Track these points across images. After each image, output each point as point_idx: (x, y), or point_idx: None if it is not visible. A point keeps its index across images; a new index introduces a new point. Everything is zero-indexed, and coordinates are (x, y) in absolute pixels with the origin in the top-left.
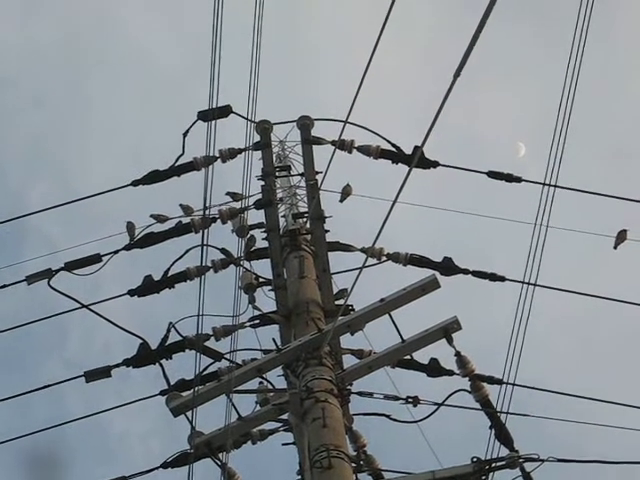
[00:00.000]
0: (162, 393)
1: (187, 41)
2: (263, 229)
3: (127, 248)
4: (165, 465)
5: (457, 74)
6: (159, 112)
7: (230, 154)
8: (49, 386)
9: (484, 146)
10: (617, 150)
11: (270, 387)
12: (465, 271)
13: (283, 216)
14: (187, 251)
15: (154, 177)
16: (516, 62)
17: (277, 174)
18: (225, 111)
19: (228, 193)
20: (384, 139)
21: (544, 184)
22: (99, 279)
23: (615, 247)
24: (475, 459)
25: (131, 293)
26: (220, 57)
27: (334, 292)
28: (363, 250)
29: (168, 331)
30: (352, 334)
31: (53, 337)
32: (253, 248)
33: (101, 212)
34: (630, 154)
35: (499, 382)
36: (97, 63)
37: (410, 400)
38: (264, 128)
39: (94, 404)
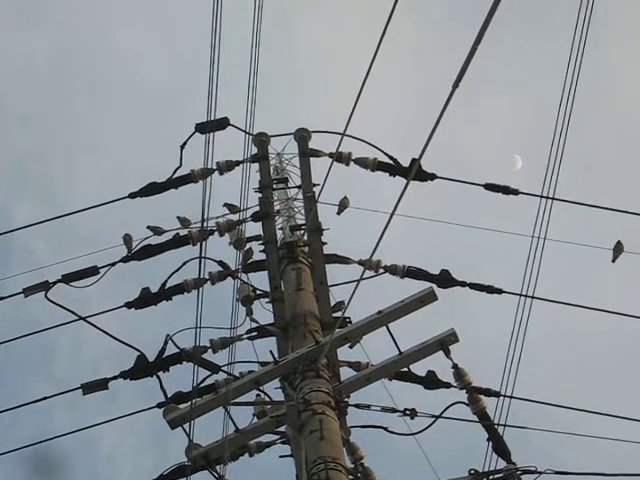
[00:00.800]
0: (159, 405)
1: (175, 60)
2: (260, 241)
3: (124, 260)
4: (162, 478)
5: (456, 85)
6: (146, 131)
7: (227, 166)
8: (46, 398)
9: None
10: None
11: (267, 399)
12: (462, 283)
13: (280, 228)
14: (184, 263)
15: (151, 189)
16: (510, 75)
17: (274, 186)
18: (222, 123)
19: (226, 205)
20: (381, 151)
21: (541, 196)
22: (86, 293)
23: (613, 261)
24: (472, 471)
25: (128, 305)
26: (218, 70)
27: (331, 304)
28: (360, 262)
29: (165, 343)
30: (350, 347)
31: (41, 351)
32: (250, 260)
33: (95, 226)
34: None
35: (496, 394)
36: (85, 81)
37: (407, 412)
38: (261, 140)
39: (82, 421)
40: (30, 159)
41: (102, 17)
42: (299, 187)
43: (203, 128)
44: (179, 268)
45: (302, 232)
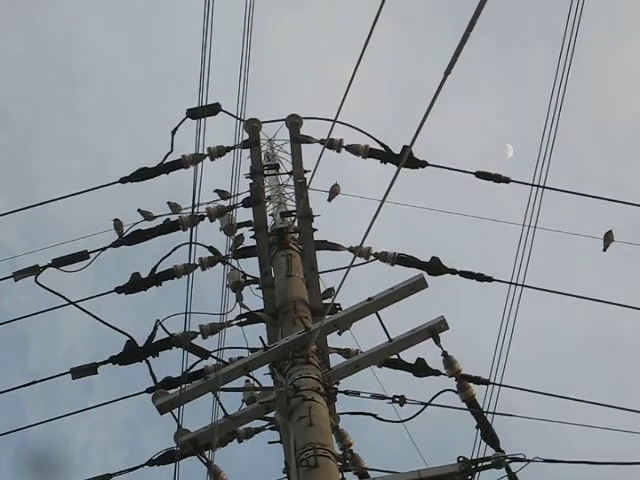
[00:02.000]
0: (148, 391)
1: (151, 54)
2: (251, 227)
3: (115, 245)
4: (151, 463)
5: (448, 71)
6: (124, 125)
7: (218, 152)
8: (35, 382)
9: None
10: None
11: (257, 385)
12: (453, 271)
13: (271, 214)
14: (175, 249)
15: (142, 174)
16: (501, 63)
17: (265, 172)
18: (214, 109)
19: (216, 191)
20: (373, 138)
21: (532, 185)
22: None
23: (605, 249)
24: (461, 459)
25: (118, 290)
26: (210, 55)
27: (321, 291)
28: (351, 249)
29: (155, 328)
30: (339, 333)
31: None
32: (241, 246)
33: (85, 212)
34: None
35: (486, 382)
36: (62, 76)
37: (396, 400)
38: (253, 126)
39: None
40: (8, 153)
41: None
42: (290, 173)
43: (194, 114)
44: (170, 253)
45: (293, 218)
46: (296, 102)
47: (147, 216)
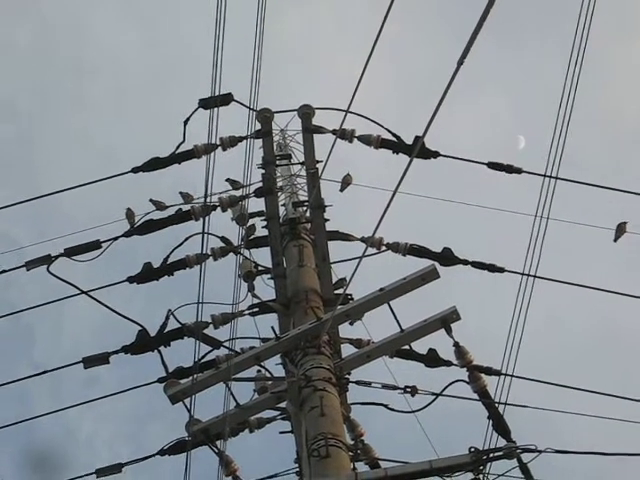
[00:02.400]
0: (160, 380)
1: (158, 46)
2: (263, 217)
3: (126, 235)
4: (162, 452)
5: (461, 61)
6: (131, 117)
7: (230, 142)
8: (47, 372)
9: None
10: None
11: (268, 375)
12: (464, 262)
13: (283, 205)
14: (187, 238)
15: (154, 164)
16: (514, 54)
17: (277, 163)
18: (226, 99)
19: (228, 180)
20: (385, 129)
21: (545, 175)
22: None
23: (615, 240)
24: (472, 449)
25: (130, 280)
26: (222, 44)
27: (333, 281)
28: (363, 240)
29: (167, 318)
30: (351, 323)
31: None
32: (253, 236)
33: (97, 201)
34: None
35: (497, 373)
36: (69, 68)
37: (408, 390)
38: (265, 116)
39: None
40: (14, 145)
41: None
42: (302, 163)
43: (207, 104)
44: (182, 243)
45: (305, 209)
46: (308, 92)
47: (159, 206)
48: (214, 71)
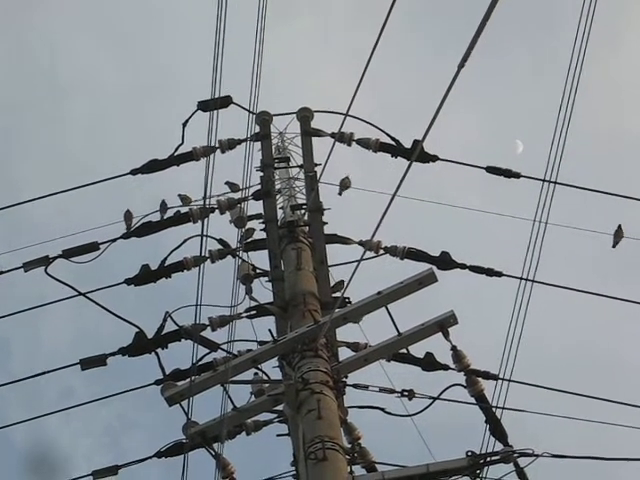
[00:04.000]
0: (157, 383)
1: (135, 64)
2: (261, 220)
3: (125, 237)
4: (159, 454)
5: (461, 65)
6: (108, 134)
7: (229, 145)
8: (44, 373)
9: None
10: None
11: (266, 378)
12: (462, 266)
13: (281, 207)
14: (185, 241)
15: (153, 166)
16: (513, 58)
17: (276, 165)
18: (225, 102)
19: (227, 183)
20: (384, 132)
21: (544, 180)
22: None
23: (614, 246)
24: (469, 453)
25: (128, 282)
26: (223, 48)
27: (331, 284)
28: (361, 243)
29: (164, 320)
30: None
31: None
32: (251, 239)
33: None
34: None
35: (495, 377)
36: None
37: (405, 394)
38: (264, 119)
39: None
40: None
41: None
42: (301, 166)
43: (206, 106)
44: (179, 245)
45: (303, 212)
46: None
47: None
48: (214, 74)
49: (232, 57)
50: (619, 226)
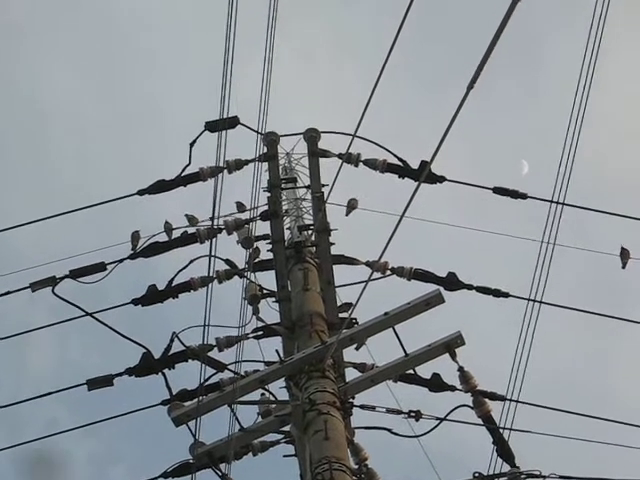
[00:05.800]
0: (164, 403)
1: (115, 93)
2: (268, 241)
3: (132, 257)
4: (166, 475)
5: (471, 85)
6: (91, 160)
7: (237, 165)
8: (51, 393)
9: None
10: None
11: (273, 398)
12: (469, 286)
13: (288, 228)
14: (192, 261)
15: (159, 187)
16: (520, 77)
17: (283, 186)
18: (233, 122)
19: (237, 203)
20: (391, 153)
21: (551, 201)
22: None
23: (623, 267)
24: (477, 474)
25: (135, 302)
26: (232, 67)
27: (338, 305)
28: (368, 264)
29: (171, 341)
30: (357, 349)
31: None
32: (258, 259)
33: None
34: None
35: (502, 398)
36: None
37: (412, 414)
38: (271, 140)
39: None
40: None
41: None
42: (308, 187)
43: (213, 127)
44: (186, 266)
45: (310, 232)
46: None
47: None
48: (222, 91)
49: (238, 78)
50: (622, 248)
